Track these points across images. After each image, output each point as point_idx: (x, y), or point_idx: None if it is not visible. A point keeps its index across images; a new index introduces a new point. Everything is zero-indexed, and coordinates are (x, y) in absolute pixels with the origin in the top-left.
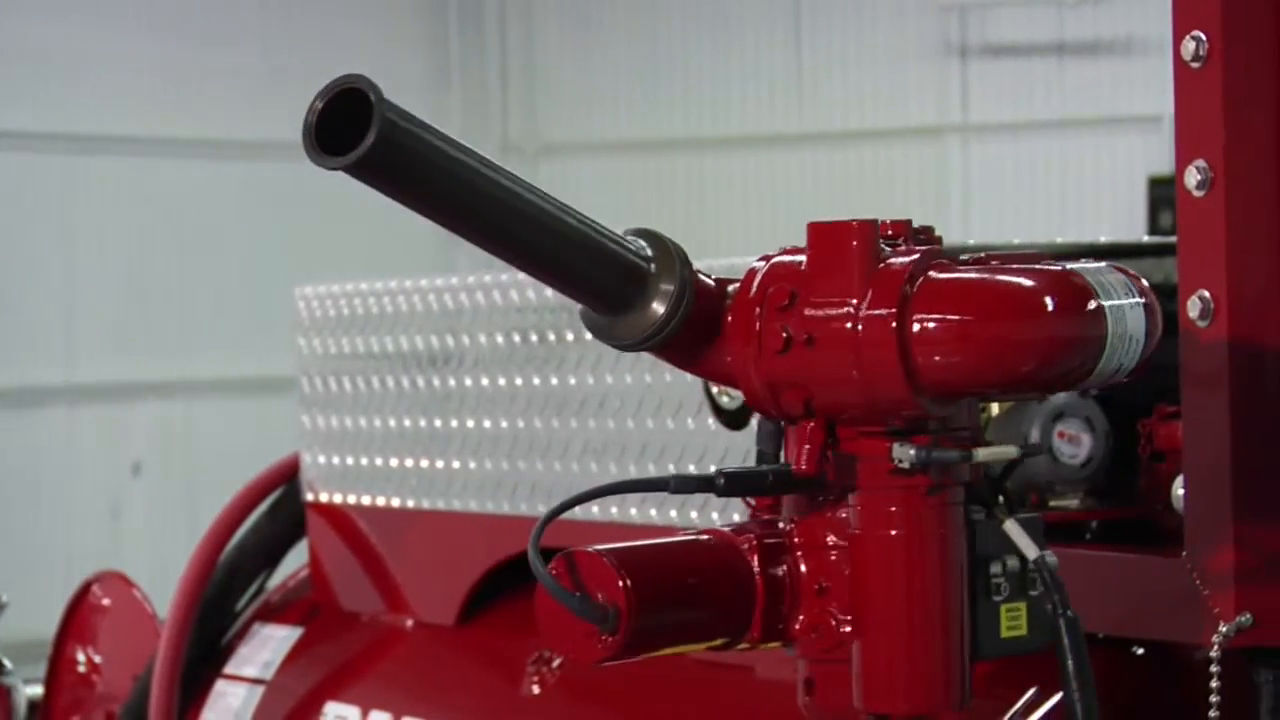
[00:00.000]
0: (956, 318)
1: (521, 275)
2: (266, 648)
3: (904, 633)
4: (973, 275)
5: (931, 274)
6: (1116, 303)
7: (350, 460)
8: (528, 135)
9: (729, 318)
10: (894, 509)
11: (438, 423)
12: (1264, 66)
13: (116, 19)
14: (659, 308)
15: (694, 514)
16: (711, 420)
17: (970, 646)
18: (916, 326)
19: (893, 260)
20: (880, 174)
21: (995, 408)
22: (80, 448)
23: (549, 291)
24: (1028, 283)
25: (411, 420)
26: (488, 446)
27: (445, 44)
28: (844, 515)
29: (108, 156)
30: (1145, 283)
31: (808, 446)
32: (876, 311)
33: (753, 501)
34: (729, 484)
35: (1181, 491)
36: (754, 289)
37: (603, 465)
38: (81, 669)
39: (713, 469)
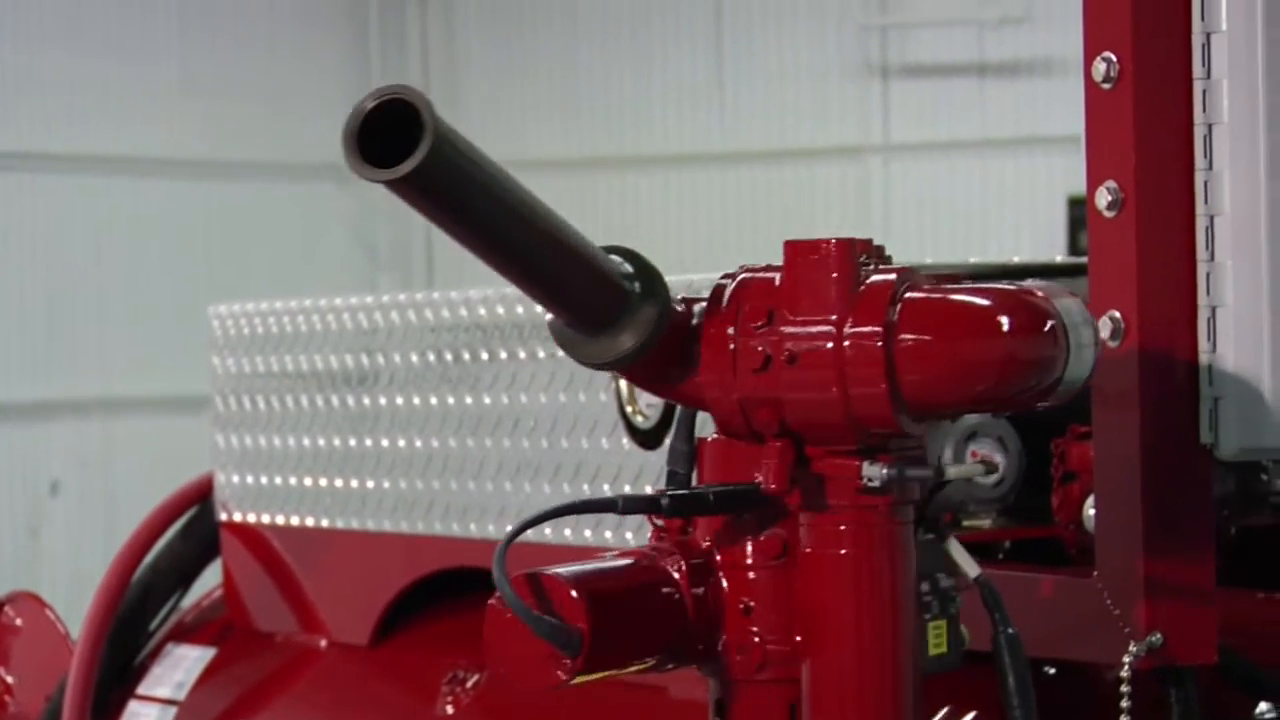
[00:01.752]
0: (942, 337)
1: (437, 294)
2: (180, 668)
3: (861, 651)
4: (953, 295)
5: (910, 293)
6: (1075, 320)
7: (264, 480)
8: None
9: (701, 337)
10: (856, 528)
11: (352, 442)
12: (1174, 88)
13: (34, 35)
14: (639, 331)
15: (608, 534)
16: (626, 440)
17: None
18: (902, 345)
19: (875, 279)
20: (801, 193)
21: None
22: None
23: (464, 311)
24: (1006, 303)
25: (326, 439)
26: (402, 466)
27: (366, 62)
28: (769, 535)
29: (24, 173)
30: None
31: (776, 465)
32: (862, 329)
33: (659, 521)
34: (674, 504)
35: (1093, 511)
36: (724, 307)
37: (517, 485)
38: None
39: (649, 489)
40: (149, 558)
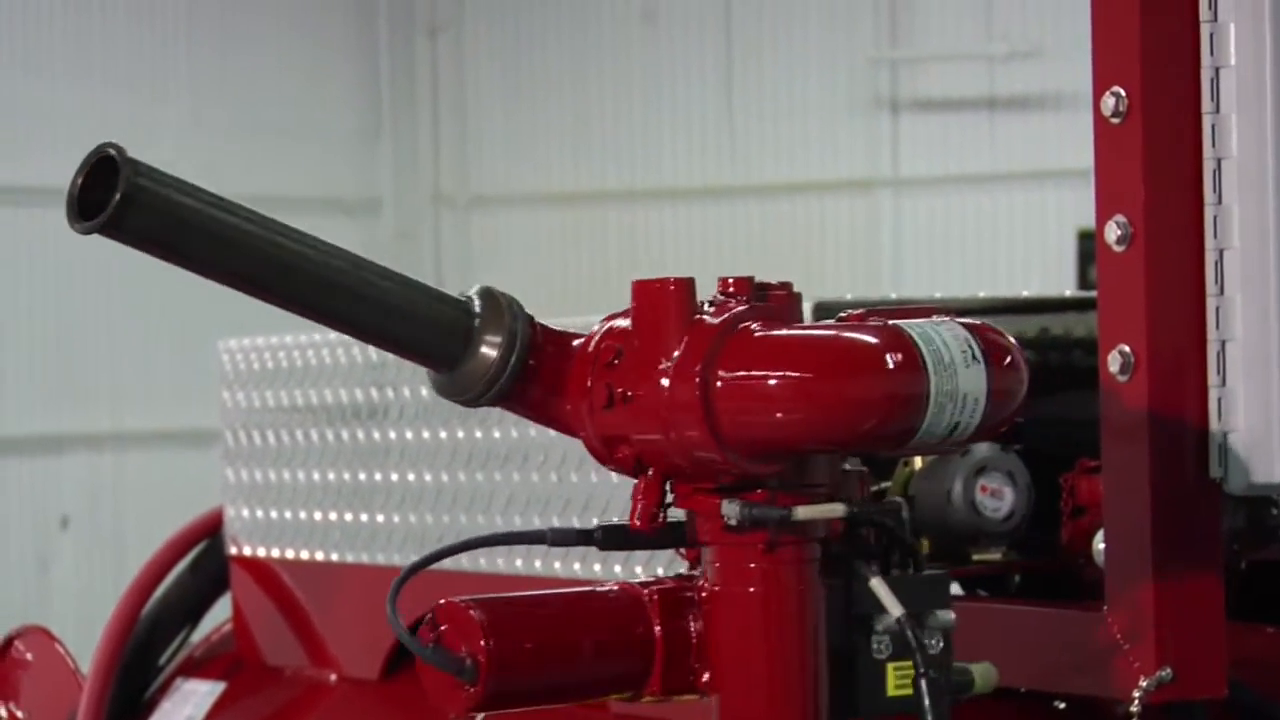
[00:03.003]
0: (755, 374)
1: None
2: (189, 703)
3: (749, 690)
4: (782, 333)
5: (750, 329)
6: (944, 360)
7: (274, 514)
8: (459, 187)
9: (569, 372)
10: (734, 566)
11: (362, 476)
12: (1183, 122)
13: (45, 70)
14: (489, 359)
15: (618, 567)
16: None
17: (847, 704)
18: (719, 383)
19: (705, 318)
20: (811, 227)
21: (919, 461)
22: (7, 501)
23: None
24: (832, 340)
25: (336, 474)
26: (411, 500)
27: (377, 95)
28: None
29: (35, 208)
30: (1007, 339)
31: (640, 500)
32: (683, 369)
33: (683, 552)
34: (606, 537)
35: (1102, 545)
36: (592, 345)
37: (527, 519)
38: None
39: (594, 522)
40: (159, 592)
